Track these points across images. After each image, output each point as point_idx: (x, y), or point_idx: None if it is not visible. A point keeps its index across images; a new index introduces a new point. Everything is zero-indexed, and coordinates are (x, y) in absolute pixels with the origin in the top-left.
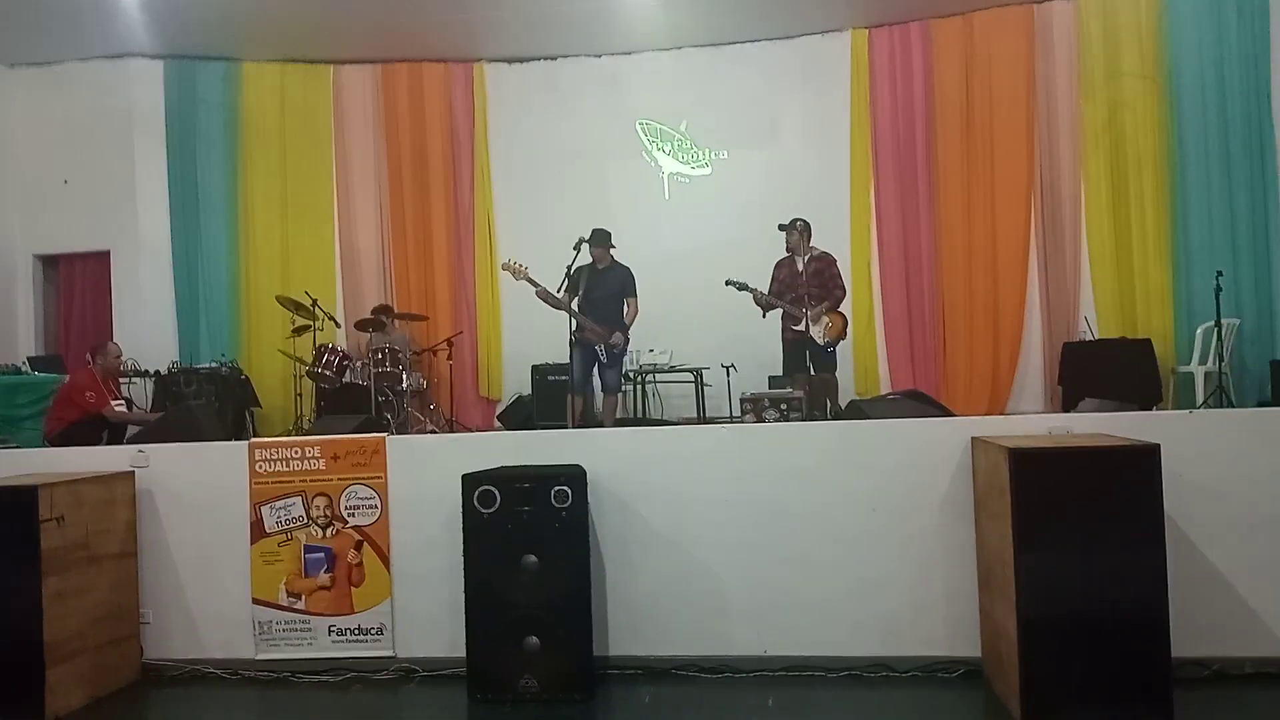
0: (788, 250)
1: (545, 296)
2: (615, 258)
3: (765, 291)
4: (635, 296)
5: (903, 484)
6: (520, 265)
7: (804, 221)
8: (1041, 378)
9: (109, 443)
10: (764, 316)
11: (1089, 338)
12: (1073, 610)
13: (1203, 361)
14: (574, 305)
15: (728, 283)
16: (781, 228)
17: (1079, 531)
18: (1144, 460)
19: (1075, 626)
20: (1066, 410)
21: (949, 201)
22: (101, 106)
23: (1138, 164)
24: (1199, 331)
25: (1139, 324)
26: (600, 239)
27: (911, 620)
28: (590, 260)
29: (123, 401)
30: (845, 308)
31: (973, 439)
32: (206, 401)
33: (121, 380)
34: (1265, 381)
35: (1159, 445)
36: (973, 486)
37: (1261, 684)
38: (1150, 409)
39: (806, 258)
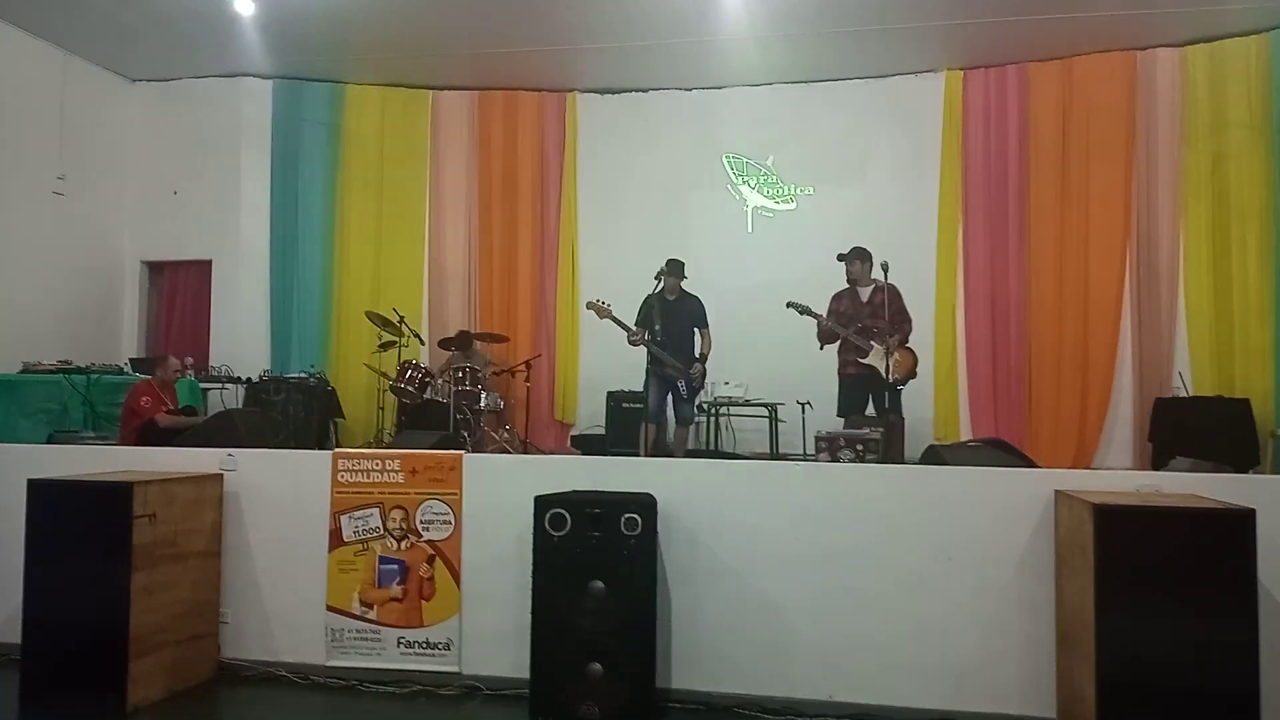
0: (849, 281)
1: (633, 338)
2: (685, 288)
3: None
4: (708, 327)
5: (980, 533)
6: (605, 304)
7: (865, 250)
8: (1131, 433)
9: None
10: (821, 349)
11: (1183, 394)
12: (1156, 678)
13: None
14: (650, 339)
15: (789, 304)
16: (841, 258)
17: (1165, 596)
18: (1237, 525)
19: (1158, 695)
20: (1156, 468)
21: (1041, 246)
22: (213, 122)
23: (1241, 216)
24: None
25: (1236, 382)
26: (674, 269)
27: (983, 674)
28: (659, 290)
29: (174, 411)
30: (927, 349)
31: (1056, 492)
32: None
33: (214, 386)
34: None
35: (1254, 510)
36: (1054, 541)
37: None
38: (1245, 472)
39: (871, 289)
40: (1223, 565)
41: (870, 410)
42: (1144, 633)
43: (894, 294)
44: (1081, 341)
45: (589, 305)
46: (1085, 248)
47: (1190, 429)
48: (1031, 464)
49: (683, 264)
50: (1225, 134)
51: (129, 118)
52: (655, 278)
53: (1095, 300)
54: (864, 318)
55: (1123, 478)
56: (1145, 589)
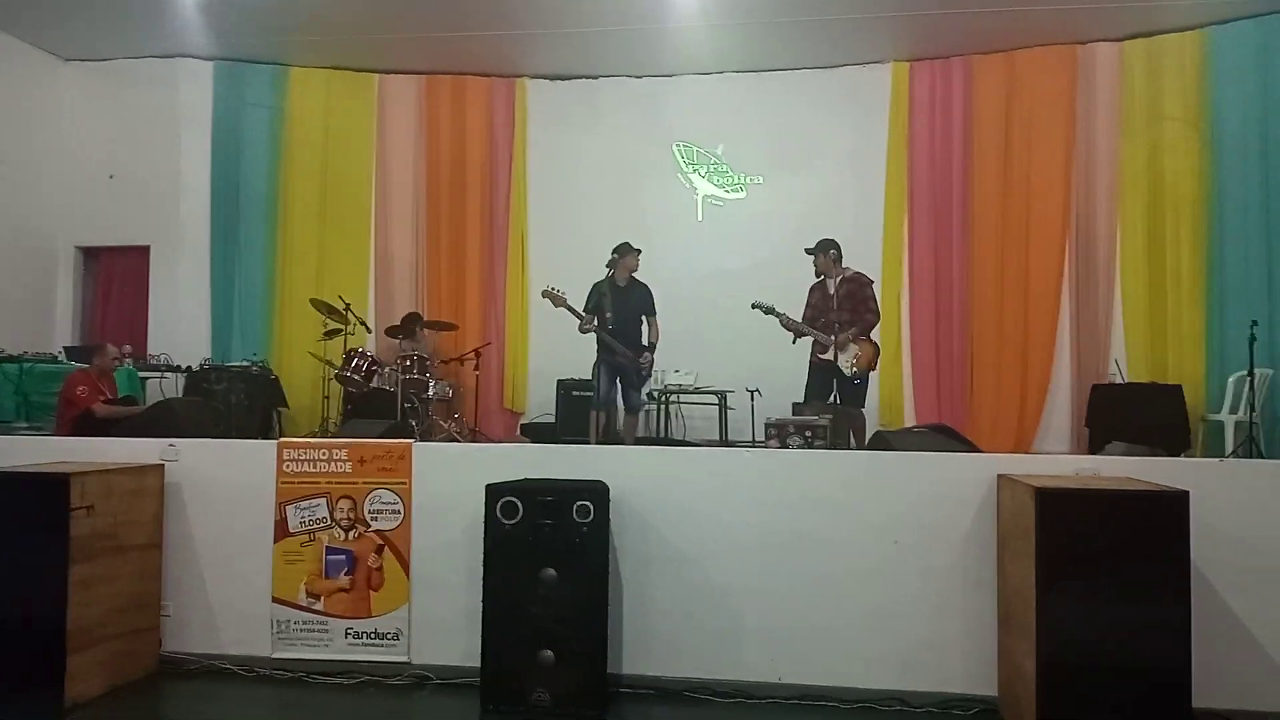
0: (817, 274)
1: (584, 326)
2: (636, 276)
3: (799, 318)
4: (655, 315)
5: (926, 517)
6: (560, 293)
7: (831, 242)
8: (1068, 418)
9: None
10: (794, 342)
11: (1118, 380)
12: (1094, 654)
13: (1233, 411)
14: (601, 327)
15: (754, 305)
16: (809, 251)
17: (1104, 575)
18: (1173, 507)
19: (1095, 671)
20: (1093, 452)
21: (983, 236)
22: (151, 104)
23: (1175, 208)
24: (1231, 380)
25: (1170, 369)
26: (626, 252)
27: (929, 655)
28: (610, 275)
29: (112, 401)
30: (875, 336)
31: (999, 476)
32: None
33: (153, 375)
34: None
35: (1188, 492)
36: (997, 524)
37: None
38: (1178, 456)
39: (838, 279)
40: (1159, 546)
41: (836, 398)
42: (1083, 611)
43: (856, 285)
44: (1022, 329)
45: (544, 294)
46: (1026, 238)
47: (1125, 414)
48: (975, 449)
49: (638, 250)
50: (1161, 127)
51: (62, 98)
52: (607, 266)
53: (1035, 289)
54: (831, 310)
55: (1063, 462)
56: (1084, 569)
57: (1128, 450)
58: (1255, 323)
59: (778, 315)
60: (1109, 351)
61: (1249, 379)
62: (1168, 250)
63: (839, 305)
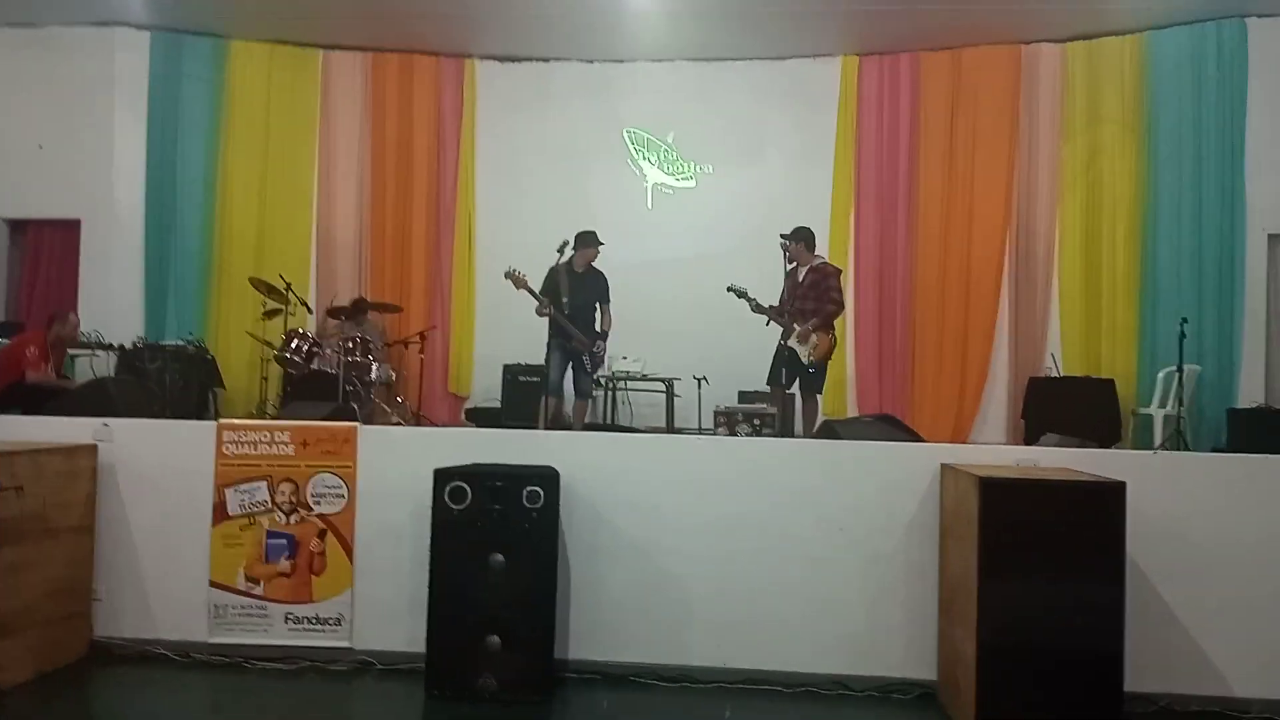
0: (788, 260)
1: (541, 310)
2: (593, 264)
3: (774, 304)
4: (609, 303)
5: (871, 506)
6: (522, 275)
7: (805, 230)
8: (1005, 409)
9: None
10: (767, 324)
11: (1054, 373)
12: (1030, 639)
13: (1162, 405)
14: (558, 311)
15: (729, 289)
16: (783, 237)
17: (1042, 563)
18: (1111, 497)
19: (1032, 655)
20: (1028, 443)
21: (927, 231)
22: (83, 73)
23: (1112, 208)
24: (1160, 375)
25: (1103, 363)
26: (587, 240)
27: (871, 641)
28: (568, 261)
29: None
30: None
31: (942, 466)
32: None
33: (84, 353)
34: (1221, 428)
35: (1125, 483)
36: (940, 512)
37: None
38: (1109, 448)
39: (807, 268)
40: (1097, 534)
41: (797, 387)
42: (1021, 597)
43: (821, 275)
44: (962, 322)
45: (506, 275)
46: (968, 233)
47: (1059, 407)
48: (919, 439)
49: (596, 237)
50: (1100, 129)
51: None
52: (558, 250)
53: (976, 283)
54: (797, 299)
55: (1004, 452)
56: (1024, 557)
57: (1060, 442)
58: (1185, 320)
59: (749, 300)
60: (1045, 345)
61: (1178, 374)
62: (1104, 248)
63: (804, 294)
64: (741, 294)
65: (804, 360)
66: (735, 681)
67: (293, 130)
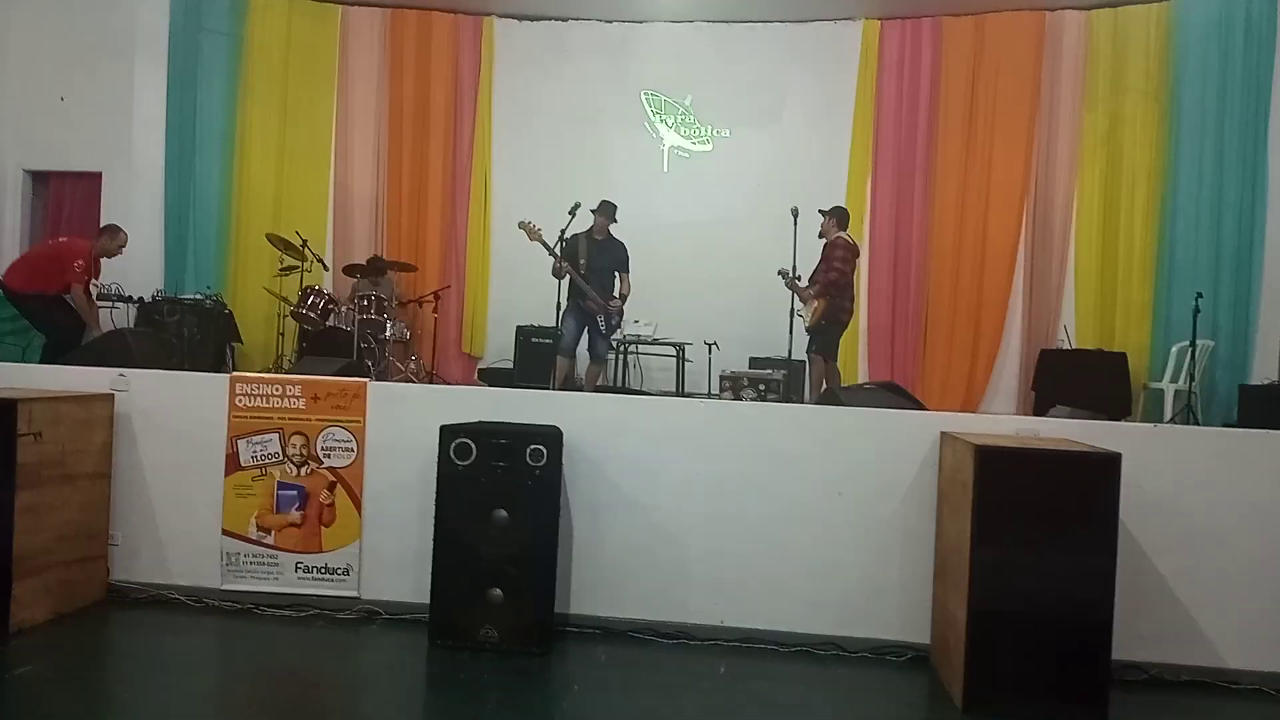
0: (819, 235)
1: (558, 269)
2: (613, 232)
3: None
4: (629, 273)
5: (870, 471)
6: (536, 227)
7: (839, 208)
8: (1016, 381)
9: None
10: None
11: (1066, 346)
12: (1022, 606)
13: (1174, 380)
14: (575, 272)
15: (779, 273)
16: (821, 212)
17: (1036, 531)
18: (1105, 468)
19: (1023, 622)
20: (1038, 415)
21: (943, 198)
22: (104, 26)
23: (1132, 179)
24: (1173, 350)
25: (1116, 337)
26: (607, 210)
27: (866, 603)
28: (588, 229)
29: (95, 290)
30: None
31: (941, 433)
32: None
33: (104, 305)
34: (1233, 404)
35: (1120, 455)
36: (937, 479)
37: (1193, 691)
38: (1119, 421)
39: (824, 244)
40: (1090, 504)
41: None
42: (1015, 565)
43: (830, 247)
44: (976, 292)
45: (520, 225)
46: (985, 202)
47: (1071, 379)
48: (921, 406)
49: (615, 207)
50: (1123, 98)
51: (11, 17)
52: (569, 212)
53: (991, 253)
54: (818, 271)
55: (1004, 422)
56: (1018, 524)
57: (1070, 414)
58: (1200, 295)
59: (787, 281)
60: (1059, 317)
61: (1191, 349)
62: (1121, 220)
63: (818, 265)
64: (791, 284)
65: (806, 324)
66: (731, 639)
67: (311, 86)
